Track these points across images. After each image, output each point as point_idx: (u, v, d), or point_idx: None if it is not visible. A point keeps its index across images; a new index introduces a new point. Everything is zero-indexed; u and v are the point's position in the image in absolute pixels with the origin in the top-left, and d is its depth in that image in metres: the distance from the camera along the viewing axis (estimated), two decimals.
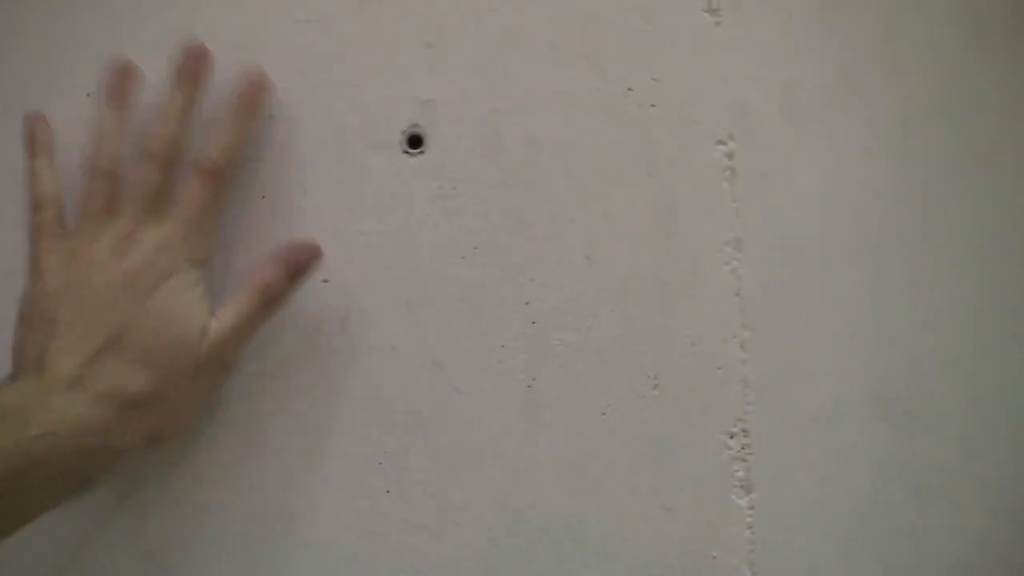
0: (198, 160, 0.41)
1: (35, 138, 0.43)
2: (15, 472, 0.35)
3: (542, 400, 0.43)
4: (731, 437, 0.42)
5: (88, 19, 0.44)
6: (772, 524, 0.42)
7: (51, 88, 0.44)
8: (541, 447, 0.43)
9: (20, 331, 0.40)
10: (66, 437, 0.36)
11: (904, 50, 0.42)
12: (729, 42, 0.43)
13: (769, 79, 0.43)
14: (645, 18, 0.43)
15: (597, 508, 0.43)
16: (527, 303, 0.43)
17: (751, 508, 0.42)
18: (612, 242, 0.43)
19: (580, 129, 0.43)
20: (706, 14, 0.43)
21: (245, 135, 0.42)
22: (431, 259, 0.44)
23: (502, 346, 0.43)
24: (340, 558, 0.43)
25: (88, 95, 0.43)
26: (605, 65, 0.43)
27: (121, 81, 0.42)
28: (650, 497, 0.43)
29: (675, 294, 0.43)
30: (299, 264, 0.42)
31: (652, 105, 0.43)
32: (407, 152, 0.44)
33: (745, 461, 0.42)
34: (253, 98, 0.42)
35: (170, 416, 0.40)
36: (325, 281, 0.44)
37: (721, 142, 0.43)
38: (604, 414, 0.43)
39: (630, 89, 0.43)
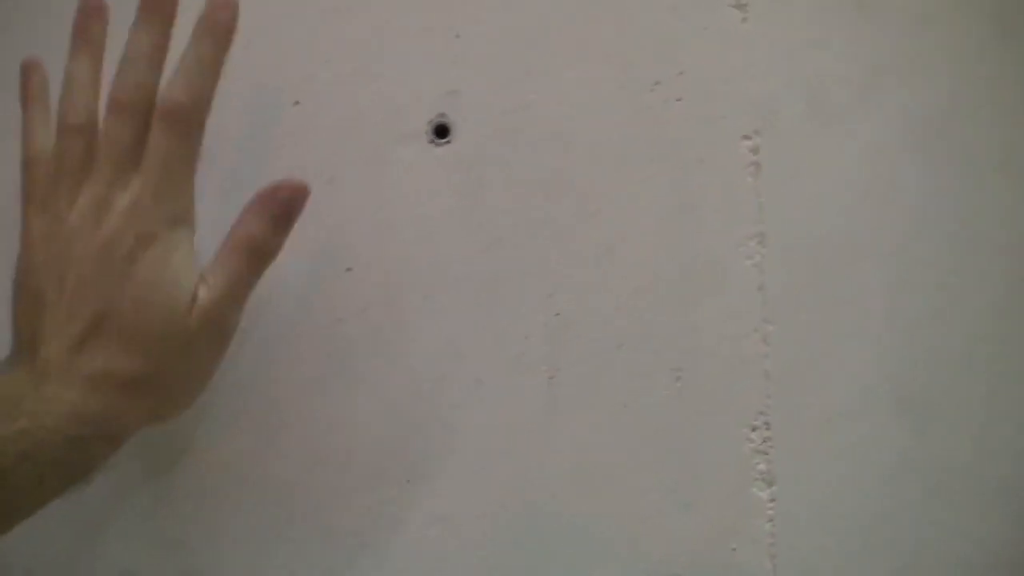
0: (160, 104, 0.36)
1: (29, 86, 0.38)
2: (1, 470, 0.33)
3: (563, 392, 0.43)
4: (753, 430, 0.43)
5: None
6: (793, 517, 0.42)
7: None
8: (562, 439, 0.43)
9: (15, 306, 0.37)
10: (56, 429, 0.34)
11: (933, 47, 0.42)
12: (756, 37, 0.43)
13: (796, 74, 0.43)
14: (672, 12, 0.43)
15: (617, 501, 0.43)
16: (550, 295, 0.43)
17: (772, 501, 0.42)
18: (636, 235, 0.43)
19: (605, 122, 0.43)
20: (733, 9, 0.43)
21: (211, 68, 0.36)
22: (455, 249, 0.44)
23: (525, 338, 0.43)
24: (359, 548, 0.43)
25: None
26: (632, 59, 0.43)
27: (90, 22, 0.37)
28: (671, 490, 0.43)
29: (698, 288, 0.43)
30: (284, 205, 0.37)
31: (678, 99, 0.43)
32: (433, 142, 0.44)
33: (766, 454, 0.42)
34: (216, 21, 0.36)
35: (169, 394, 0.38)
36: (348, 270, 0.44)
37: (746, 137, 0.43)
38: (625, 407, 0.43)
39: (657, 83, 0.43)
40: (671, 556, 0.42)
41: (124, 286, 0.35)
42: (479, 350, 0.43)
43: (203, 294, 0.36)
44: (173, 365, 0.36)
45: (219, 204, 0.40)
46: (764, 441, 0.42)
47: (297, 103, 0.44)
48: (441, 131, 0.44)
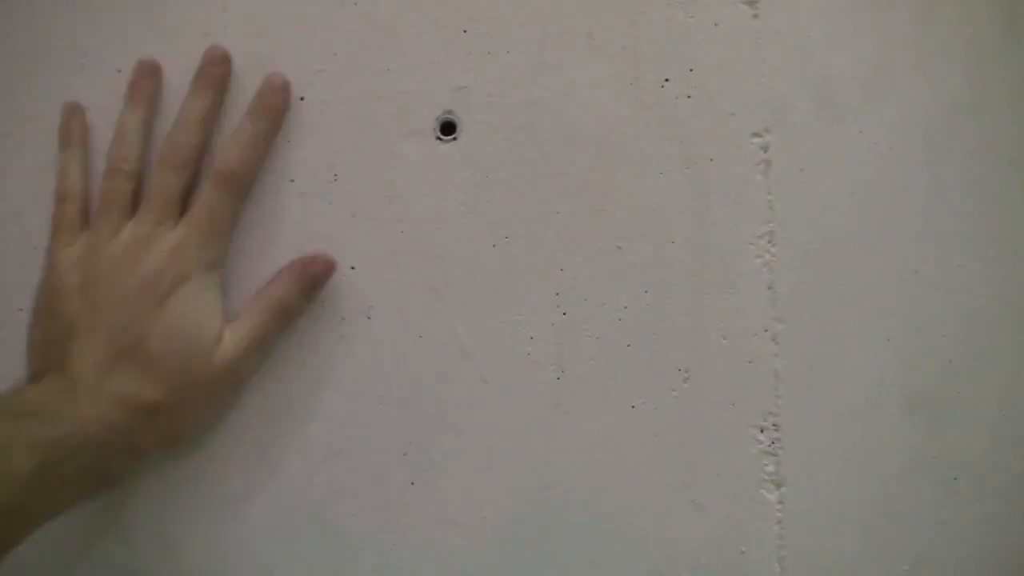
0: (217, 167, 0.41)
1: (70, 130, 0.43)
2: (50, 464, 0.36)
3: (571, 392, 0.43)
4: (761, 431, 0.42)
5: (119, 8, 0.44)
6: (802, 519, 0.42)
7: (79, 71, 0.44)
8: (569, 440, 0.42)
9: (36, 327, 0.41)
10: (94, 434, 0.37)
11: (942, 44, 0.42)
12: (766, 34, 0.43)
13: (806, 72, 0.43)
14: (683, 9, 0.43)
15: (625, 502, 0.42)
16: (557, 294, 0.43)
17: (781, 503, 0.42)
18: (644, 233, 0.43)
19: (614, 119, 0.43)
20: (744, 6, 0.43)
21: (263, 141, 0.42)
22: (461, 247, 0.43)
23: (531, 337, 0.43)
24: (365, 550, 0.42)
25: (118, 71, 0.42)
26: (641, 55, 0.43)
27: (145, 82, 0.42)
28: (679, 491, 0.42)
29: (707, 286, 0.43)
30: (314, 278, 0.42)
31: (688, 96, 0.43)
32: (440, 139, 0.43)
33: (775, 455, 0.42)
34: (271, 103, 0.42)
35: (185, 423, 0.41)
36: (352, 268, 0.43)
37: (757, 134, 0.43)
38: (634, 407, 0.43)
39: (667, 80, 0.43)
40: (679, 559, 0.42)
41: (157, 319, 0.39)
42: (485, 350, 0.43)
43: (228, 337, 0.40)
44: (192, 399, 0.40)
45: None
46: (773, 442, 0.42)
47: (303, 99, 0.43)
48: (447, 128, 0.43)
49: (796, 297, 0.42)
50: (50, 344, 0.40)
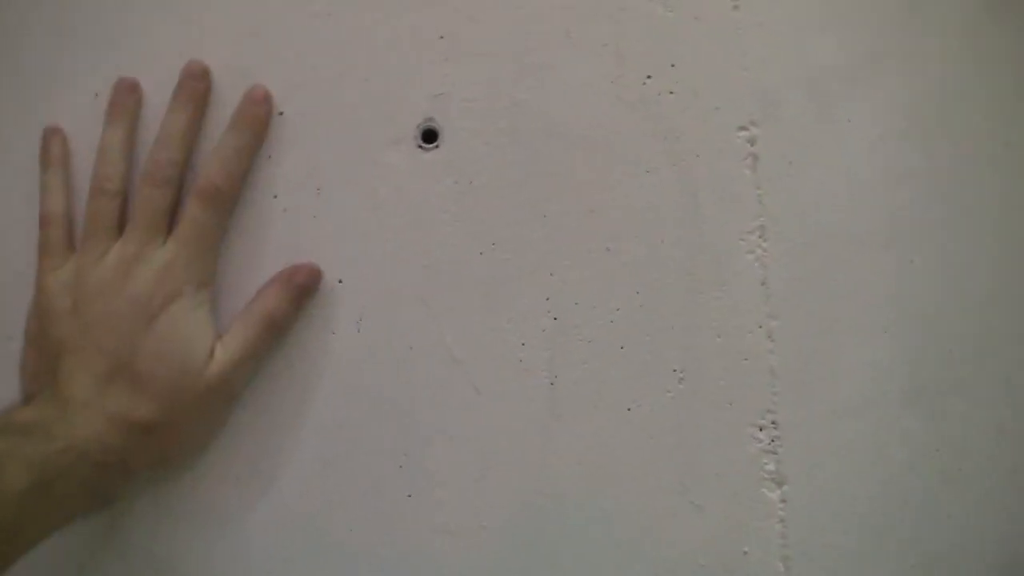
0: (200, 183, 0.41)
1: (50, 151, 0.43)
2: (43, 482, 0.36)
3: (565, 398, 0.42)
4: (760, 430, 0.41)
5: (95, 23, 0.44)
6: (804, 517, 0.41)
7: (57, 94, 0.44)
8: (565, 446, 0.42)
9: (28, 351, 0.41)
10: (87, 452, 0.37)
11: (929, 32, 0.41)
12: (748, 26, 0.42)
13: (790, 63, 0.42)
14: (662, 4, 0.42)
15: (624, 506, 0.42)
16: (547, 298, 0.42)
17: (783, 501, 0.41)
18: (633, 233, 0.42)
19: (598, 119, 0.42)
20: None
21: (246, 154, 0.42)
22: (448, 255, 0.43)
23: (523, 343, 0.42)
24: (361, 563, 0.42)
25: (96, 95, 0.42)
26: (622, 52, 0.42)
27: (124, 100, 0.42)
28: (679, 493, 0.42)
29: (699, 285, 0.42)
30: (300, 288, 0.42)
31: (671, 92, 0.42)
32: (422, 147, 0.43)
33: (775, 454, 0.41)
34: (253, 115, 0.42)
35: (178, 441, 0.41)
36: (340, 281, 0.43)
37: (743, 128, 0.42)
38: (629, 410, 0.42)
39: (649, 76, 0.42)
40: (680, 562, 0.41)
41: (147, 338, 0.39)
42: (476, 358, 0.42)
43: (219, 353, 0.40)
44: (184, 417, 0.40)
45: None
46: (772, 440, 0.41)
47: (281, 113, 0.43)
48: (429, 136, 0.43)
49: (790, 292, 0.42)
50: (42, 366, 0.40)
